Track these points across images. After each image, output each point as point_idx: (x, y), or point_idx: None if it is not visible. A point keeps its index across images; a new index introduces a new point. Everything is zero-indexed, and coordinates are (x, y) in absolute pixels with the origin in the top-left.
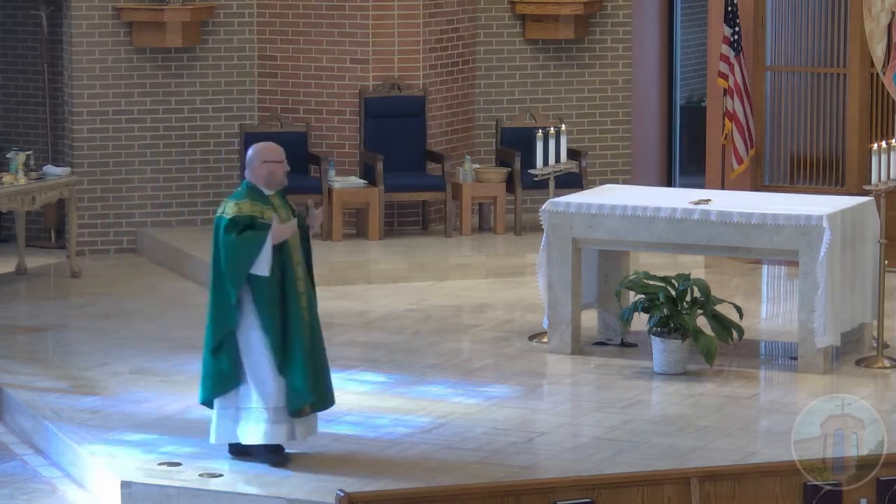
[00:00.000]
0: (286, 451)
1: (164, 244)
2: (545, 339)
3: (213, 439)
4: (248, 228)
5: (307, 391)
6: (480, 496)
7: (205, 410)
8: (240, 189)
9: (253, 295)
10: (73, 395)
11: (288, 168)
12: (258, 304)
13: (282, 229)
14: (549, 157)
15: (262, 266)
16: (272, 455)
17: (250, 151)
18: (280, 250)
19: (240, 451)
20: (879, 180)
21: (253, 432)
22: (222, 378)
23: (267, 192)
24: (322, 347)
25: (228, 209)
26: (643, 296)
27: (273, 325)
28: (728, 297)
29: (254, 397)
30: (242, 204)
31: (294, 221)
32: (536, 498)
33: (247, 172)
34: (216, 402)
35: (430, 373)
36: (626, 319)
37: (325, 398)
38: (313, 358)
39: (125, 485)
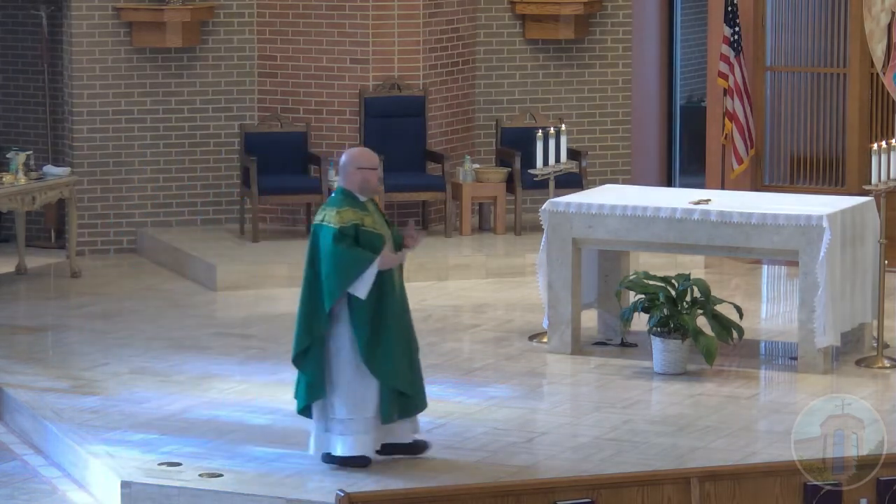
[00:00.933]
0: (371, 459)
1: (164, 244)
2: (545, 339)
3: (311, 450)
4: (355, 238)
5: (404, 394)
6: (480, 496)
7: (204, 410)
8: (335, 196)
9: (349, 304)
10: (73, 395)
11: (381, 175)
12: (353, 313)
13: (390, 258)
14: (549, 157)
15: (362, 288)
16: (360, 465)
17: (344, 157)
18: (381, 273)
19: (332, 460)
20: (879, 180)
21: (342, 444)
22: (309, 386)
23: (361, 198)
24: (416, 349)
25: (330, 217)
26: (643, 296)
27: (366, 333)
28: (728, 297)
29: (341, 407)
30: (344, 212)
31: (403, 254)
32: (536, 498)
33: (340, 179)
34: (314, 411)
35: (430, 373)
36: (626, 319)
37: (419, 401)
38: (408, 360)
39: (125, 485)
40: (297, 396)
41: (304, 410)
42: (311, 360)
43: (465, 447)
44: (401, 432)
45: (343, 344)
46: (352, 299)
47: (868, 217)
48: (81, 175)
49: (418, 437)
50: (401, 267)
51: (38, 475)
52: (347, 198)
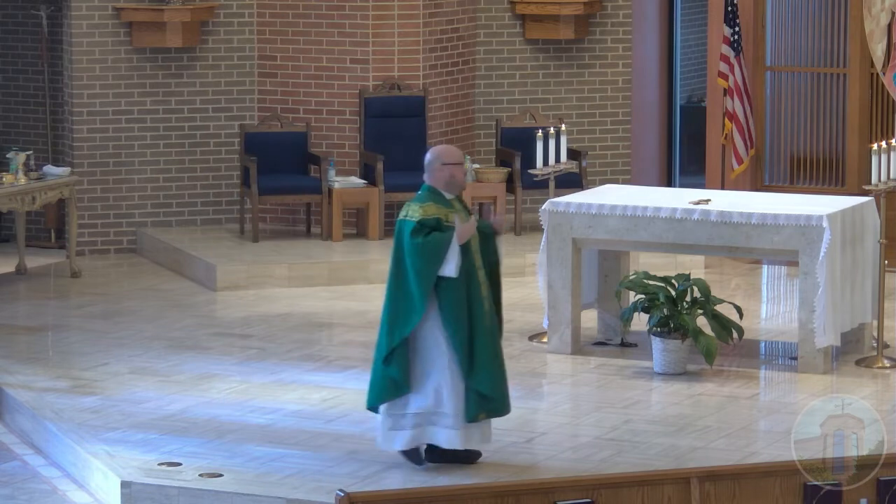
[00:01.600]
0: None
1: (164, 244)
2: (545, 339)
3: (380, 444)
4: (434, 231)
5: (490, 397)
6: (480, 496)
7: (204, 410)
8: (420, 192)
9: (438, 299)
10: (73, 395)
11: (465, 171)
12: (444, 307)
13: (465, 228)
14: (549, 157)
15: (450, 267)
16: (414, 459)
17: (429, 155)
18: (464, 253)
19: (436, 455)
20: (879, 180)
21: (402, 437)
22: (393, 385)
23: (447, 195)
24: (502, 352)
25: (412, 212)
26: (643, 296)
27: (459, 328)
28: (728, 297)
29: (405, 402)
30: (427, 206)
31: (473, 219)
32: (536, 498)
33: (426, 176)
34: (382, 407)
35: None
36: (626, 319)
37: (504, 404)
38: (498, 362)
39: (125, 485)
40: (370, 393)
41: (374, 407)
42: (398, 358)
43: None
44: (473, 438)
45: (430, 342)
46: (441, 296)
47: (868, 217)
48: (81, 175)
49: (482, 445)
50: (496, 277)
51: (38, 475)
52: (433, 194)
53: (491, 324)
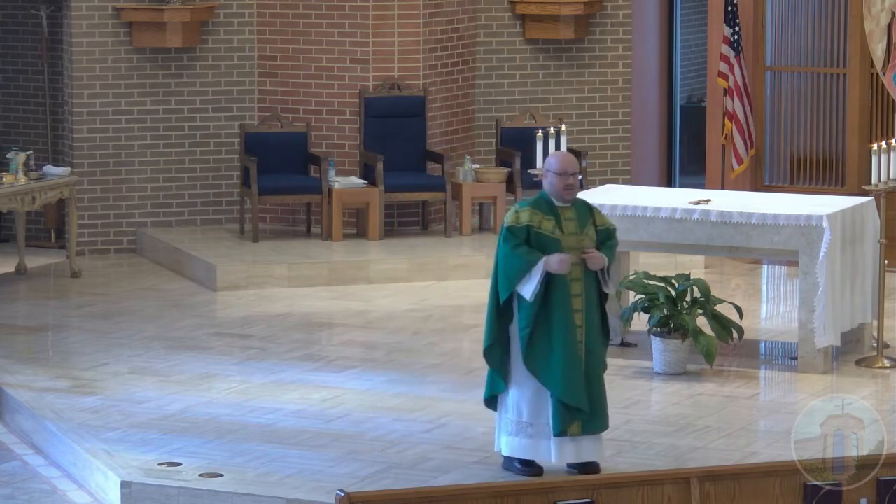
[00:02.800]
0: (541, 467)
1: (164, 244)
2: None
3: (496, 446)
4: (527, 240)
5: (575, 413)
6: (480, 496)
7: (204, 410)
8: (535, 196)
9: (518, 304)
10: (73, 395)
11: (573, 182)
12: (519, 313)
13: (557, 261)
14: None
15: (527, 289)
16: (526, 469)
17: (547, 160)
18: (555, 278)
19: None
20: (879, 180)
21: (507, 443)
22: (491, 378)
23: (558, 203)
24: (597, 375)
25: (509, 216)
26: (643, 296)
27: (527, 335)
28: (728, 297)
29: (513, 407)
30: (522, 212)
31: (568, 257)
32: (536, 498)
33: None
34: (498, 405)
35: (430, 373)
36: (626, 319)
37: (596, 422)
38: (579, 377)
39: (125, 485)
40: (486, 385)
41: (490, 402)
42: (494, 354)
43: (465, 447)
44: (583, 451)
45: (516, 344)
46: (520, 300)
47: (868, 217)
48: (81, 175)
49: (591, 459)
50: (591, 282)
51: (38, 475)
52: (540, 200)
53: (574, 332)
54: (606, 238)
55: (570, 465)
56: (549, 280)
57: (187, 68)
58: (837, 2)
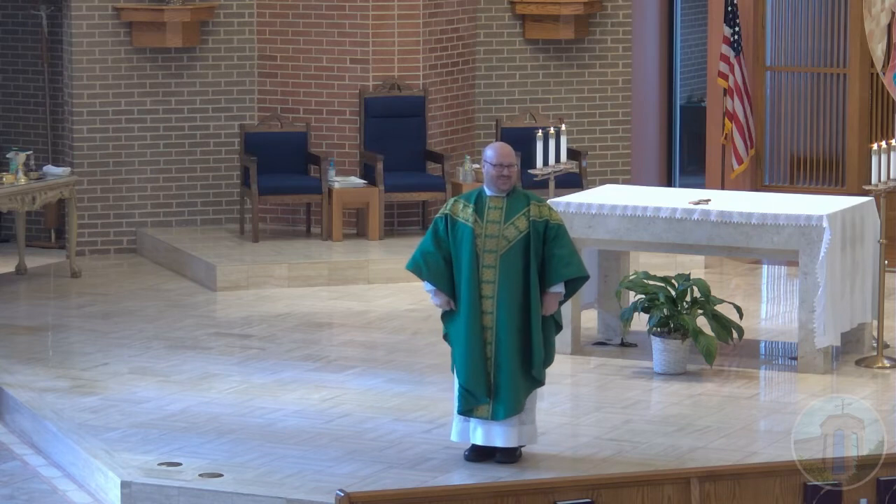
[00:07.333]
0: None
1: (164, 244)
2: None
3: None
4: (445, 227)
5: (471, 393)
6: (480, 496)
7: (204, 410)
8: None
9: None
10: (73, 394)
11: (508, 174)
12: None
13: (437, 300)
14: (549, 157)
15: (425, 285)
16: (468, 454)
17: (484, 150)
18: (468, 263)
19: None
20: (879, 180)
21: (453, 430)
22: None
23: (494, 193)
24: (506, 362)
25: (447, 205)
26: (643, 296)
27: (442, 313)
28: (728, 297)
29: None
30: (451, 202)
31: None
32: (536, 498)
33: None
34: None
35: (430, 373)
36: (626, 319)
37: (498, 405)
38: (477, 364)
39: (125, 485)
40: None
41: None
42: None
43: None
44: (493, 435)
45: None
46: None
47: (868, 217)
48: (81, 175)
49: (509, 447)
50: (511, 272)
51: (38, 475)
52: (476, 191)
53: (479, 319)
54: (545, 232)
55: (483, 449)
56: (459, 265)
57: (187, 68)
58: (837, 2)
